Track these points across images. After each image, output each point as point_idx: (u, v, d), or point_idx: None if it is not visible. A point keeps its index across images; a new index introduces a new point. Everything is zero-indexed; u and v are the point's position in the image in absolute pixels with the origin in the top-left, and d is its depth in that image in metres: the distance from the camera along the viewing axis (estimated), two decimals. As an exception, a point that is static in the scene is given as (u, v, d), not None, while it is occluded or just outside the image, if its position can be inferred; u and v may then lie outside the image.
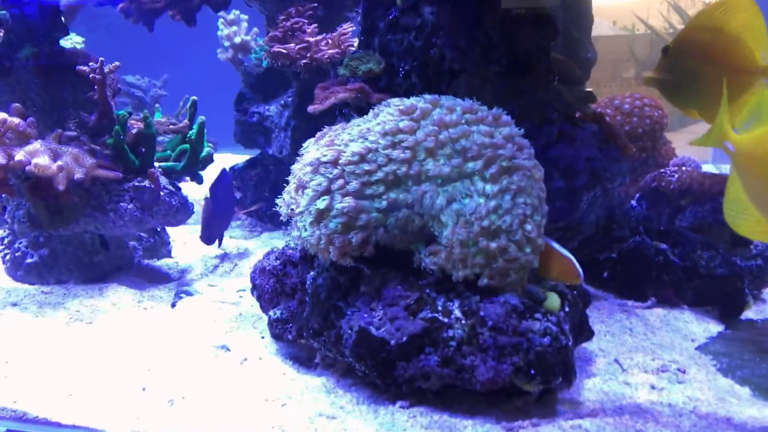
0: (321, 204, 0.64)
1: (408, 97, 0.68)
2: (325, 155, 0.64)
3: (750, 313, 0.89)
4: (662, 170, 1.00)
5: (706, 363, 0.77)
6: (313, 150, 0.67)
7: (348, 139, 0.64)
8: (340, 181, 0.63)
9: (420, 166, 0.61)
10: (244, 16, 1.47)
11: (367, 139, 0.62)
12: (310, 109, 0.71)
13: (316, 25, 1.05)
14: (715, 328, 0.85)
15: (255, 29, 1.46)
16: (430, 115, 0.61)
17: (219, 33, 1.45)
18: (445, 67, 0.70)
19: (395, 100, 0.63)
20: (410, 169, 0.62)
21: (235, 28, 1.45)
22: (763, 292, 0.93)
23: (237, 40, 1.43)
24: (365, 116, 0.65)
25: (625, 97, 1.25)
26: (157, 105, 1.27)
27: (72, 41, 1.07)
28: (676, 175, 0.96)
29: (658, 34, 2.19)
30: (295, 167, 0.68)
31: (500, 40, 0.72)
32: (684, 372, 0.75)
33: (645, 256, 0.86)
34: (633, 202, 1.01)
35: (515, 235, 0.62)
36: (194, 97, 1.00)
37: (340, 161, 0.64)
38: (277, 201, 0.71)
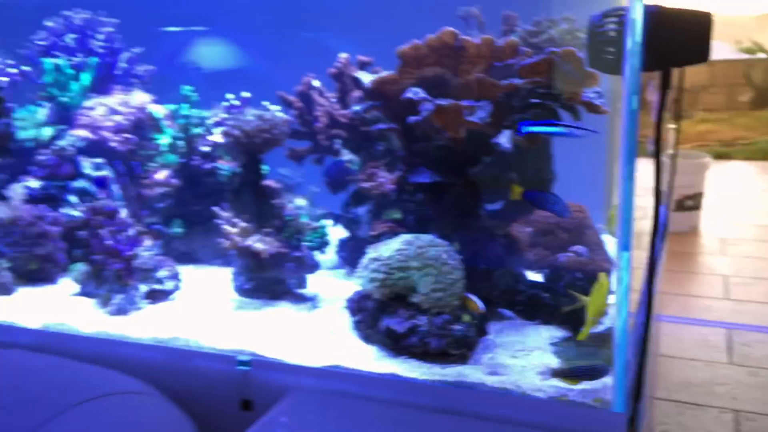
0: (372, 274, 1.59)
1: (410, 233, 1.63)
2: (372, 256, 1.60)
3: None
4: (560, 254, 1.89)
5: (548, 350, 1.64)
6: (371, 252, 1.63)
7: (383, 250, 1.59)
8: (380, 265, 1.59)
9: (408, 262, 1.55)
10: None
11: (390, 250, 1.58)
12: (372, 233, 1.68)
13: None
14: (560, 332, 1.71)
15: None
16: (414, 243, 1.56)
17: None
18: (428, 218, 1.64)
19: (402, 237, 1.58)
20: (406, 263, 1.56)
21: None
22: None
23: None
24: (392, 241, 1.61)
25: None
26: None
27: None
28: (562, 259, 1.85)
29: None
30: (365, 258, 1.64)
31: (452, 205, 1.65)
32: (527, 352, 1.62)
33: (535, 300, 1.76)
34: (546, 271, 1.90)
35: (447, 291, 1.55)
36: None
37: (380, 259, 1.60)
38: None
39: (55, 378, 1.56)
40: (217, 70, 3.03)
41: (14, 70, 2.07)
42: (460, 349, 1.50)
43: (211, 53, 3.02)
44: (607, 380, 1.38)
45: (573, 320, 1.70)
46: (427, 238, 1.57)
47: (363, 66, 2.00)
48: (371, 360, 1.53)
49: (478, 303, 1.56)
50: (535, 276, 1.87)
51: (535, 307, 1.73)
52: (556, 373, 1.43)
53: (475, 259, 1.62)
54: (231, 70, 3.07)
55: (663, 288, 3.39)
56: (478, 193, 1.64)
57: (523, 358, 1.54)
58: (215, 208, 1.87)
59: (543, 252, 1.99)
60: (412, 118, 1.50)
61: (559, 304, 1.71)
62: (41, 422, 1.36)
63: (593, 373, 1.40)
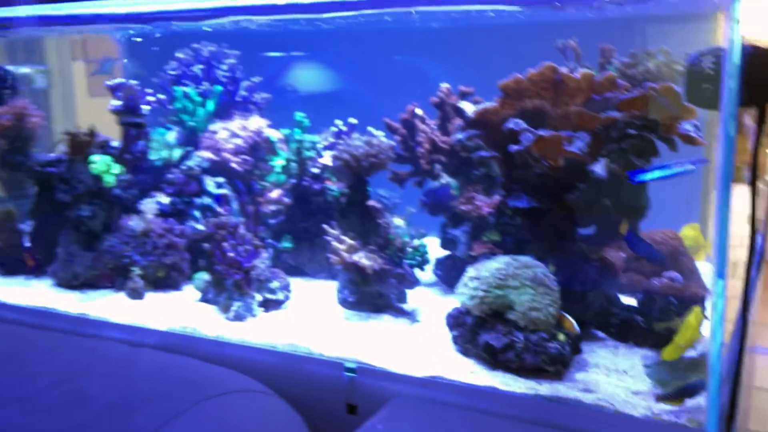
0: (472, 292, 1.70)
1: (508, 255, 1.73)
2: (472, 275, 1.71)
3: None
4: (654, 279, 1.93)
5: (641, 371, 1.69)
6: (471, 271, 1.74)
7: (482, 269, 1.70)
8: (479, 284, 1.70)
9: (507, 282, 1.66)
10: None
11: (489, 270, 1.68)
12: (472, 253, 1.79)
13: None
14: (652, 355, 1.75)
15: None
16: (512, 264, 1.66)
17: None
18: (526, 241, 1.74)
19: (500, 258, 1.69)
20: (505, 282, 1.66)
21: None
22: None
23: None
24: (490, 261, 1.71)
25: (656, 232, 2.17)
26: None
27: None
28: (657, 284, 1.90)
29: None
30: (463, 276, 1.75)
31: (549, 229, 1.75)
32: (620, 372, 1.67)
33: (628, 322, 1.81)
34: (639, 295, 1.95)
35: (544, 310, 1.63)
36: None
37: (480, 278, 1.70)
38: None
39: (183, 375, 1.74)
40: (313, 93, 3.24)
41: (152, 98, 2.31)
42: (555, 366, 1.58)
43: (308, 77, 3.23)
44: (700, 401, 1.44)
45: (666, 343, 1.75)
46: (525, 259, 1.67)
47: (464, 96, 2.13)
48: (469, 373, 1.64)
49: (573, 323, 1.64)
50: (627, 300, 1.92)
51: (628, 330, 1.79)
52: (659, 398, 1.48)
53: (570, 280, 1.70)
54: (326, 93, 3.28)
55: (762, 319, 3.33)
56: (573, 217, 1.73)
57: (617, 378, 1.60)
58: (325, 226, 2.03)
59: (636, 276, 2.04)
60: (514, 147, 1.61)
61: (653, 327, 1.76)
62: (174, 414, 1.53)
63: (693, 391, 1.45)
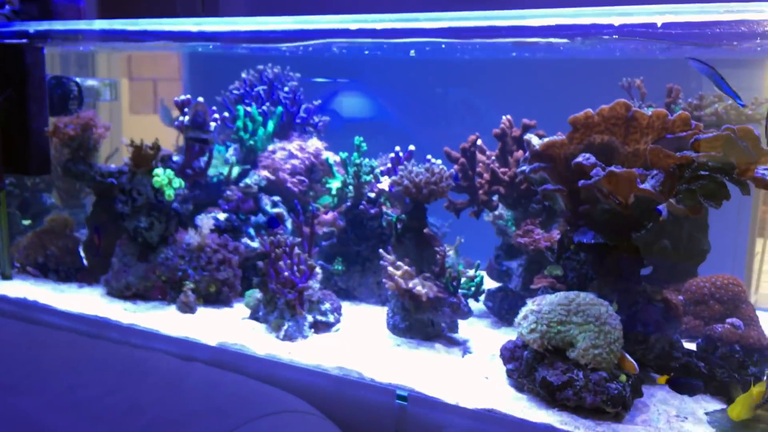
0: (532, 326, 1.68)
1: (570, 290, 1.71)
2: (532, 309, 1.68)
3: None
4: (716, 325, 1.89)
5: (702, 418, 1.64)
6: (530, 304, 1.72)
7: (544, 304, 1.68)
8: (540, 318, 1.67)
9: (569, 318, 1.63)
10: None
11: (551, 304, 1.66)
12: (533, 286, 1.77)
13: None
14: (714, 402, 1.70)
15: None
16: (575, 300, 1.63)
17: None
18: (589, 277, 1.71)
19: (562, 293, 1.66)
20: (567, 318, 1.64)
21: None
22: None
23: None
24: (552, 296, 1.69)
25: (717, 277, 2.12)
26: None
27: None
28: (720, 330, 1.85)
29: None
30: (523, 309, 1.73)
31: (613, 266, 1.72)
32: (682, 419, 1.62)
33: (689, 367, 1.77)
34: (699, 340, 1.90)
35: (605, 349, 1.60)
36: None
37: (541, 312, 1.68)
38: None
39: (235, 392, 1.74)
40: (356, 119, 3.28)
41: (216, 116, 2.35)
42: (616, 408, 1.55)
43: (351, 103, 3.28)
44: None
45: (726, 392, 1.71)
46: (588, 296, 1.64)
47: (526, 128, 2.12)
48: (523, 408, 1.61)
49: (634, 364, 1.61)
50: (686, 344, 1.88)
51: (689, 375, 1.74)
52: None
53: (633, 320, 1.67)
54: (367, 119, 3.31)
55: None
56: (639, 256, 1.70)
57: (678, 424, 1.56)
58: (382, 251, 2.03)
59: (694, 321, 1.99)
60: (583, 182, 1.60)
61: (714, 374, 1.71)
62: (229, 430, 1.52)
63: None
